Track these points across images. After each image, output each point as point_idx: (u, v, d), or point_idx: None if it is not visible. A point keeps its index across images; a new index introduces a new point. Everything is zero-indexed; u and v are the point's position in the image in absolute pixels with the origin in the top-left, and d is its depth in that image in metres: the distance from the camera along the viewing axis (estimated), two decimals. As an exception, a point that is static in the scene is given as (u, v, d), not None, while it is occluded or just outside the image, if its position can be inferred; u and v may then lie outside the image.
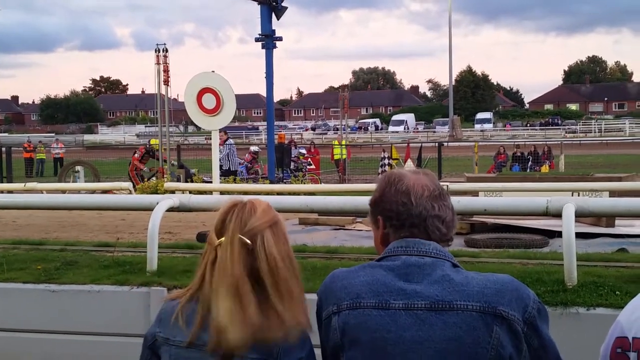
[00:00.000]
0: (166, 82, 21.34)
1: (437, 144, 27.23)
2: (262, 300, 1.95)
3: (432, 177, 2.01)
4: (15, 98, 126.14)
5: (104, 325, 5.73)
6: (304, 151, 27.20)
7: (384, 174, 2.11)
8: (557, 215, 5.33)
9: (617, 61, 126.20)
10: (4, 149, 26.33)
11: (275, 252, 1.98)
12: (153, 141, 22.51)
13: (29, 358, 5.60)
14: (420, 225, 1.94)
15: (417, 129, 77.81)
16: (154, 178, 19.58)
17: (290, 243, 2.08)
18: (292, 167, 23.64)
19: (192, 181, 18.12)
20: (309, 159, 26.71)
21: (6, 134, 69.16)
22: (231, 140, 21.63)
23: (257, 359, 1.93)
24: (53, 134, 65.28)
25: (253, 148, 24.08)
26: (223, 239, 1.98)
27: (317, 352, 2.05)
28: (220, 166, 19.80)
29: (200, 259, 2.05)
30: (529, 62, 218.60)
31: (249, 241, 1.96)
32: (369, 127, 79.52)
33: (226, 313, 1.92)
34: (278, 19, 18.31)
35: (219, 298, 1.94)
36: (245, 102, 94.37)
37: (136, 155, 22.03)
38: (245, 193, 11.90)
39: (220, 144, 19.42)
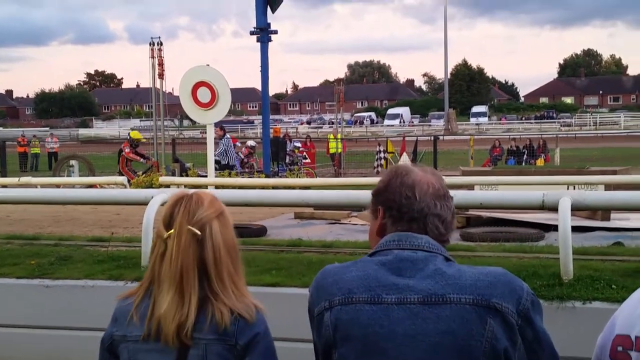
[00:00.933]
0: (161, 76, 21.30)
1: (432, 137, 27.24)
2: (207, 290, 2.00)
3: (439, 177, 2.00)
4: (9, 92, 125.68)
5: (98, 321, 5.67)
6: (299, 145, 27.15)
7: (392, 166, 2.10)
8: (554, 208, 5.32)
9: (612, 54, 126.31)
10: (-2, 143, 26.25)
11: (221, 242, 2.04)
12: (133, 133, 21.74)
13: (23, 353, 5.57)
14: (419, 220, 1.93)
15: (413, 122, 77.76)
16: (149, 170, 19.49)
17: (234, 233, 2.13)
18: (287, 161, 23.61)
19: (187, 175, 18.07)
20: (305, 153, 26.67)
21: (0, 128, 68.94)
22: (228, 136, 21.56)
23: (214, 339, 1.97)
24: (47, 128, 65.08)
25: (250, 142, 24.03)
26: (172, 230, 2.02)
27: (309, 346, 2.05)
28: (219, 161, 19.86)
29: (150, 252, 2.11)
30: (524, 55, 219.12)
31: (198, 231, 2.01)
32: (365, 121, 79.47)
33: (166, 306, 1.98)
34: (273, 12, 18.23)
35: (163, 290, 2.01)
36: (240, 95, 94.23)
37: (127, 149, 21.61)
38: (241, 187, 11.87)
39: (216, 139, 19.43)
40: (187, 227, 2.01)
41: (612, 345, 1.80)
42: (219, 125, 20.56)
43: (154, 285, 2.04)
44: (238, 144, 25.22)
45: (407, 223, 1.94)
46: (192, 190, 2.17)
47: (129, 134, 21.91)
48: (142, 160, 20.90)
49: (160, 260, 2.03)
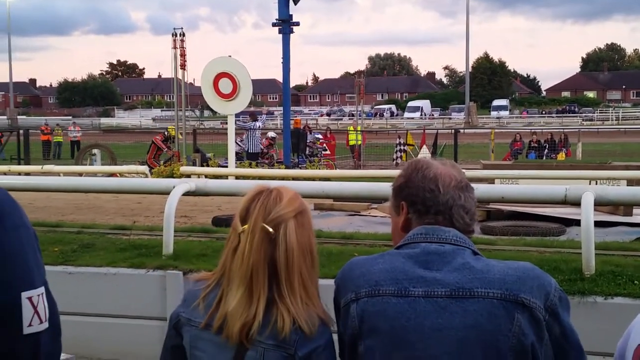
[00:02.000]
0: (183, 67, 21.37)
1: (453, 130, 27.09)
2: (274, 292, 1.93)
3: (458, 169, 2.00)
4: (32, 81, 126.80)
5: (120, 308, 5.77)
6: (320, 137, 27.16)
7: (410, 160, 2.10)
8: (576, 203, 5.29)
9: (636, 49, 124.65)
10: (21, 131, 26.51)
11: (295, 243, 1.95)
12: (170, 128, 22.68)
13: (46, 339, 5.63)
14: (445, 212, 1.92)
15: (433, 115, 77.45)
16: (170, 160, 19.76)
17: (314, 235, 2.04)
18: (307, 152, 23.62)
19: (207, 165, 18.15)
20: (324, 145, 26.66)
21: (24, 117, 69.48)
22: (257, 124, 21.79)
23: (272, 345, 1.90)
24: (70, 117, 65.52)
25: (270, 134, 24.10)
26: (246, 226, 1.96)
27: (335, 337, 2.04)
28: (247, 150, 20.28)
29: (225, 243, 2.05)
30: (546, 49, 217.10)
31: (271, 230, 1.93)
32: (385, 113, 79.23)
33: (235, 303, 1.93)
34: (295, 4, 18.21)
35: (233, 287, 1.95)
36: (261, 87, 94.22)
37: (158, 137, 22.28)
38: (261, 178, 11.91)
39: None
40: (262, 224, 1.93)
41: (635, 354, 1.78)
42: (250, 114, 21.08)
43: (224, 278, 1.99)
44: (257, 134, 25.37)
45: (434, 216, 1.93)
46: (274, 184, 2.10)
47: (167, 128, 22.90)
48: (165, 149, 21.30)
49: (232, 255, 1.97)
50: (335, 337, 2.00)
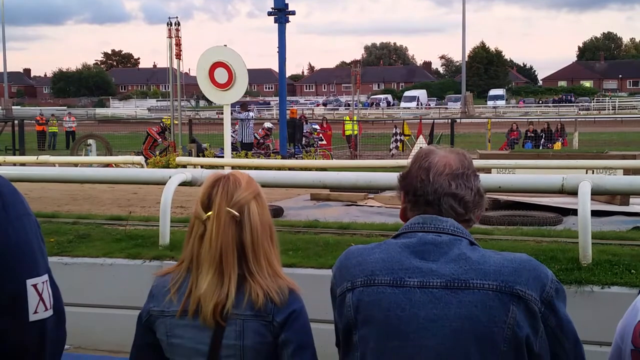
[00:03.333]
0: (178, 56, 21.31)
1: (449, 120, 27.07)
2: (244, 270, 2.04)
3: (461, 157, 1.97)
4: (27, 71, 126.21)
5: (116, 299, 5.75)
6: (317, 127, 27.12)
7: (421, 148, 2.08)
8: (573, 192, 5.28)
9: (632, 38, 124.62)
10: (16, 121, 26.42)
11: (258, 223, 2.06)
12: (165, 119, 22.66)
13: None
14: (434, 203, 1.91)
15: (429, 105, 77.38)
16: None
17: (269, 213, 2.16)
18: (303, 142, 23.59)
19: (203, 156, 18.12)
20: (321, 135, 26.63)
21: (18, 107, 69.31)
22: (251, 114, 21.90)
23: (251, 315, 2.00)
24: (65, 107, 65.38)
25: (267, 124, 24.06)
26: (211, 212, 2.04)
27: (325, 327, 2.05)
28: (240, 140, 20.34)
29: (187, 234, 2.12)
30: (542, 38, 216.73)
31: (237, 213, 2.04)
32: (381, 103, 79.10)
33: (206, 286, 2.01)
34: (291, -8, 18.15)
35: (202, 271, 2.03)
36: (256, 77, 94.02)
37: (154, 129, 22.27)
38: (257, 168, 11.89)
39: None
40: (226, 209, 2.03)
41: (635, 332, 1.78)
42: (243, 104, 21.12)
43: (193, 265, 2.06)
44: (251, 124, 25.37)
45: (424, 206, 1.93)
46: (226, 171, 2.18)
47: (162, 119, 22.91)
48: (159, 139, 21.27)
49: (199, 241, 2.05)
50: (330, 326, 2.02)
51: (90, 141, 22.01)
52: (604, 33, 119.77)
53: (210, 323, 2.00)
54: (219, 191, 2.06)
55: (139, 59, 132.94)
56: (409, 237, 1.91)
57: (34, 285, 1.65)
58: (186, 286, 2.06)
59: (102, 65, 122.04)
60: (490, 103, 74.47)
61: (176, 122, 21.29)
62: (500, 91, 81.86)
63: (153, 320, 2.11)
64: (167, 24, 21.38)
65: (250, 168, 12.14)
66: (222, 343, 2.00)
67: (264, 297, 2.00)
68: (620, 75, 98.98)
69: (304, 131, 24.32)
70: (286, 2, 18.07)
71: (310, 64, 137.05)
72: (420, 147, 2.24)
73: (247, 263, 2.04)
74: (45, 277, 1.71)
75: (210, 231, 2.03)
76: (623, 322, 1.87)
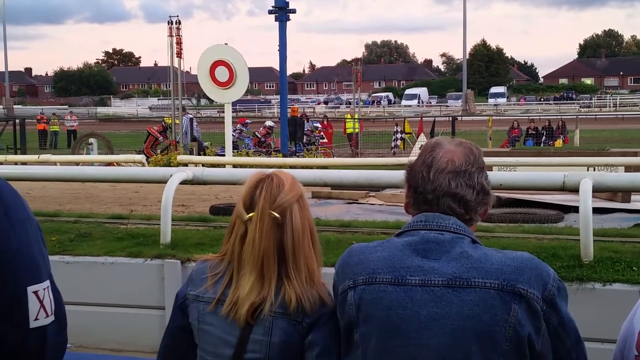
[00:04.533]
0: (179, 55, 21.29)
1: (450, 118, 27.06)
2: (283, 274, 2.03)
3: (467, 151, 1.93)
4: (28, 70, 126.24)
5: (117, 297, 5.75)
6: (319, 125, 27.11)
7: (430, 140, 2.06)
8: (574, 190, 5.28)
9: (633, 35, 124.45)
10: (17, 120, 26.43)
11: (300, 226, 2.04)
12: (167, 119, 22.71)
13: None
14: (432, 202, 1.90)
15: (430, 103, 77.31)
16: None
17: (311, 215, 2.13)
18: (304, 140, 23.59)
19: (204, 154, 18.12)
20: (322, 133, 26.63)
21: (20, 106, 69.26)
22: (189, 115, 22.16)
23: (281, 314, 2.00)
24: (66, 106, 65.32)
25: (268, 123, 24.07)
26: (253, 214, 2.03)
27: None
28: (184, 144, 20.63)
29: (227, 231, 2.11)
30: (543, 36, 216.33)
31: (279, 216, 2.02)
32: (382, 101, 79.04)
33: (248, 288, 2.01)
34: (291, -9, 18.12)
35: (245, 272, 2.03)
36: (257, 75, 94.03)
37: (155, 128, 22.30)
38: (258, 166, 11.88)
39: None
40: (269, 211, 2.01)
41: (639, 337, 1.77)
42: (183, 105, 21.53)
43: (234, 264, 2.06)
44: (248, 121, 25.37)
45: (422, 205, 1.92)
46: (270, 170, 2.14)
47: (163, 119, 23.02)
48: (160, 138, 21.29)
49: (240, 242, 2.05)
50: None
51: (91, 140, 22.03)
52: (604, 30, 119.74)
53: (241, 322, 2.01)
54: (263, 193, 2.04)
55: (140, 57, 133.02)
56: (412, 236, 1.90)
57: (35, 292, 1.64)
58: (223, 278, 2.07)
59: (103, 64, 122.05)
60: (491, 101, 74.41)
61: (177, 121, 21.25)
62: (501, 89, 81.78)
63: (188, 303, 2.12)
64: (168, 23, 21.33)
65: (251, 166, 12.13)
66: (249, 337, 2.01)
67: (297, 303, 2.00)
68: (621, 73, 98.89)
69: (305, 129, 24.31)
70: (286, 0, 18.06)
71: (311, 62, 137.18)
72: (430, 139, 2.21)
73: (286, 267, 2.03)
74: (47, 283, 1.69)
75: (253, 233, 2.02)
76: (625, 326, 1.86)
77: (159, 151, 20.73)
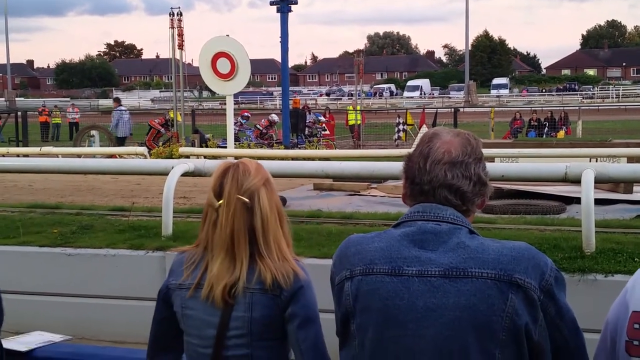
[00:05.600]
0: (180, 47, 21.28)
1: (452, 109, 27.02)
2: (255, 254, 2.16)
3: (465, 141, 1.91)
4: (30, 62, 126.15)
5: (119, 289, 5.76)
6: (322, 118, 27.07)
7: (428, 130, 2.05)
8: (576, 181, 5.27)
9: (637, 26, 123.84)
10: (19, 113, 26.44)
11: (268, 208, 2.18)
12: (171, 113, 22.73)
13: (45, 321, 5.64)
14: (429, 193, 1.89)
15: (433, 94, 77.18)
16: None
17: (278, 198, 2.28)
18: (306, 132, 23.56)
19: (206, 146, 18.12)
20: (324, 125, 26.60)
21: (22, 98, 69.23)
22: (122, 107, 22.26)
23: (260, 289, 2.13)
24: (68, 99, 65.41)
25: (272, 117, 24.03)
26: (222, 200, 2.16)
27: (327, 316, 2.07)
28: (116, 135, 20.82)
29: (201, 220, 2.26)
30: (545, 26, 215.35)
31: (248, 200, 2.16)
32: (384, 93, 78.89)
33: (216, 269, 2.15)
34: (292, -18, 18.05)
35: (215, 255, 2.17)
36: (259, 67, 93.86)
37: (157, 121, 22.30)
38: (260, 158, 11.87)
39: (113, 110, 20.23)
40: (237, 196, 2.15)
41: (630, 323, 1.76)
42: (115, 98, 21.64)
43: (208, 250, 2.20)
44: (247, 114, 25.34)
45: (419, 196, 1.91)
46: (236, 160, 2.27)
47: (167, 111, 23.09)
48: (162, 130, 21.29)
49: (212, 227, 2.19)
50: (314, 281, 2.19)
51: (93, 132, 21.99)
52: (607, 21, 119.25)
53: (219, 302, 2.13)
54: (230, 179, 2.18)
55: (142, 49, 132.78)
56: (409, 226, 1.89)
57: None
58: (201, 265, 2.20)
59: (105, 57, 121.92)
60: (493, 92, 74.28)
61: (179, 119, 21.30)
62: (503, 80, 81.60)
63: (170, 293, 2.25)
64: (170, 14, 21.35)
65: (253, 158, 12.11)
66: (231, 315, 2.13)
67: (272, 278, 2.12)
68: (624, 64, 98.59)
69: (307, 121, 24.28)
70: (288, -9, 17.99)
71: (313, 54, 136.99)
72: (427, 129, 2.22)
73: (257, 246, 2.16)
74: None
75: (222, 218, 2.15)
76: (616, 311, 1.85)
77: (160, 143, 20.73)
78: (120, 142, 21.10)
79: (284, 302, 2.13)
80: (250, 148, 17.96)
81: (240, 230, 2.14)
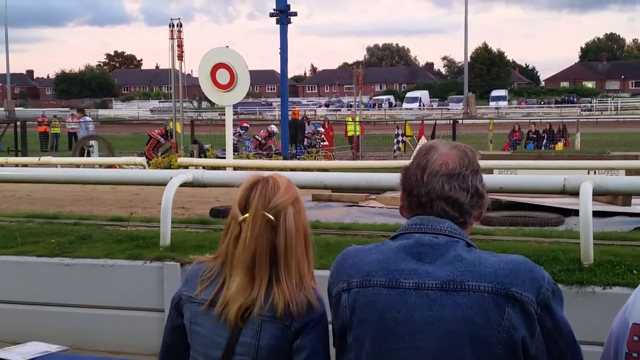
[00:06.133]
0: (180, 57, 21.33)
1: (451, 121, 27.06)
2: (274, 276, 2.04)
3: (462, 154, 1.92)
4: (30, 72, 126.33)
5: (117, 299, 5.75)
6: (322, 129, 27.09)
7: (425, 143, 2.05)
8: (574, 193, 5.27)
9: (635, 39, 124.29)
10: (18, 123, 26.44)
11: (293, 229, 2.06)
12: (171, 123, 22.77)
13: (43, 331, 5.63)
14: (426, 206, 1.89)
15: (432, 106, 77.31)
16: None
17: (307, 219, 2.15)
18: (305, 143, 23.58)
19: (205, 156, 18.13)
20: (323, 136, 26.63)
21: (21, 108, 69.27)
22: (87, 117, 22.41)
23: (270, 317, 2.01)
24: (68, 109, 65.38)
25: (272, 128, 24.05)
26: (247, 215, 2.05)
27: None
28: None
29: (223, 232, 2.13)
30: (544, 39, 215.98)
31: (273, 217, 2.03)
32: (383, 104, 79.03)
33: (235, 289, 2.04)
34: (293, -6, 18.13)
35: (235, 273, 2.06)
36: (259, 78, 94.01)
37: (157, 131, 22.33)
38: (259, 169, 11.88)
39: (75, 121, 20.25)
40: (263, 212, 2.04)
41: (630, 335, 1.76)
42: (79, 108, 21.79)
43: (227, 265, 2.09)
44: (246, 125, 25.35)
45: (417, 208, 1.91)
46: (267, 173, 2.16)
47: (168, 123, 23.10)
48: (162, 140, 21.34)
49: (234, 242, 2.07)
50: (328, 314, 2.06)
51: (92, 142, 22.00)
52: (606, 34, 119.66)
53: (231, 323, 2.03)
54: (257, 194, 2.06)
55: (141, 60, 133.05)
56: (407, 239, 1.89)
57: None
58: (217, 280, 2.09)
59: (104, 67, 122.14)
60: (492, 104, 74.38)
61: (179, 129, 21.30)
62: (502, 92, 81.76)
63: (182, 304, 2.16)
64: (170, 25, 21.40)
65: (251, 169, 12.12)
66: (238, 340, 2.04)
67: (284, 307, 2.01)
68: (622, 76, 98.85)
69: (306, 132, 24.31)
70: (288, 3, 18.07)
71: (312, 65, 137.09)
72: (425, 142, 2.20)
73: (277, 269, 2.04)
74: None
75: (245, 234, 2.04)
76: (617, 324, 1.86)
77: (160, 154, 20.74)
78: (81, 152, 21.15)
79: (293, 334, 2.02)
80: (249, 159, 17.96)
81: (262, 250, 2.03)
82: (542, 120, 37.05)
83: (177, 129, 21.57)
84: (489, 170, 10.30)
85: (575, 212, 5.48)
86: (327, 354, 2.05)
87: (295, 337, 2.02)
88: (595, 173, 10.21)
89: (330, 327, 2.02)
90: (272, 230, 2.04)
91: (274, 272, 2.04)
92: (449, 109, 69.44)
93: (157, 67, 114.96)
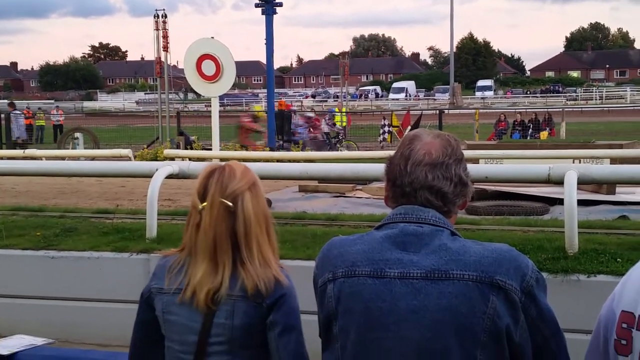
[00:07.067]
0: (165, 49, 21.22)
1: (437, 111, 27.09)
2: (238, 259, 2.12)
3: (445, 143, 1.92)
4: (14, 64, 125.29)
5: (103, 292, 5.73)
6: (312, 114, 26.95)
7: (408, 133, 2.05)
8: (559, 182, 5.30)
9: (620, 28, 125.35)
10: (3, 115, 26.23)
11: (252, 213, 2.13)
12: (257, 108, 22.15)
13: (28, 324, 5.60)
14: (410, 195, 1.89)
15: (418, 96, 77.40)
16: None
17: (265, 203, 2.23)
18: (292, 137, 23.46)
19: (191, 148, 18.07)
20: (314, 121, 26.53)
21: (5, 101, 68.79)
22: (17, 111, 22.67)
23: (242, 297, 2.09)
24: (52, 101, 64.91)
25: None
26: (205, 203, 2.12)
27: (312, 318, 2.06)
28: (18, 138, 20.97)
29: (186, 222, 2.21)
30: (529, 29, 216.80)
31: (230, 203, 2.11)
32: (369, 95, 79.10)
33: (200, 274, 2.11)
34: (278, -16, 18.07)
35: (198, 260, 2.14)
36: (245, 69, 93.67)
37: (247, 119, 21.90)
38: (245, 160, 11.84)
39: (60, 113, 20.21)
40: (220, 199, 2.11)
41: (619, 322, 1.77)
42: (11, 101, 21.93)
43: (192, 254, 2.16)
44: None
45: (400, 198, 1.91)
46: (224, 162, 2.23)
47: (251, 108, 22.44)
48: (260, 129, 20.73)
49: (196, 230, 2.15)
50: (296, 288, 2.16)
51: (77, 134, 21.88)
52: (591, 23, 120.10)
53: (202, 307, 2.10)
54: (214, 182, 2.13)
55: (126, 51, 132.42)
56: (391, 228, 1.89)
57: None
58: (185, 269, 2.16)
59: (89, 59, 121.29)
60: (478, 94, 74.61)
61: (164, 114, 21.16)
62: (488, 82, 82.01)
63: (153, 297, 2.21)
64: (154, 16, 21.30)
65: (238, 160, 12.08)
66: (213, 322, 2.10)
67: (253, 286, 2.09)
68: (607, 66, 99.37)
69: (292, 126, 24.19)
70: (273, -7, 18.01)
71: (298, 56, 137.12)
72: (409, 132, 2.22)
73: (240, 252, 2.12)
74: None
75: (205, 221, 2.11)
76: (606, 311, 1.86)
77: (258, 143, 20.07)
78: (14, 144, 21.05)
79: (265, 310, 2.10)
80: (254, 150, 17.91)
81: (222, 235, 2.10)
82: (527, 110, 37.17)
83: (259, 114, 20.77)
84: (475, 160, 10.33)
85: (560, 201, 5.50)
86: (299, 326, 2.14)
87: (268, 313, 2.10)
88: (580, 162, 10.27)
89: (315, 317, 2.02)
90: (230, 216, 2.11)
91: (237, 256, 2.12)
92: (435, 99, 69.53)
93: (142, 58, 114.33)
